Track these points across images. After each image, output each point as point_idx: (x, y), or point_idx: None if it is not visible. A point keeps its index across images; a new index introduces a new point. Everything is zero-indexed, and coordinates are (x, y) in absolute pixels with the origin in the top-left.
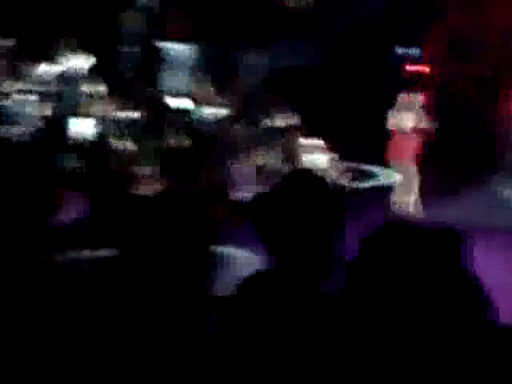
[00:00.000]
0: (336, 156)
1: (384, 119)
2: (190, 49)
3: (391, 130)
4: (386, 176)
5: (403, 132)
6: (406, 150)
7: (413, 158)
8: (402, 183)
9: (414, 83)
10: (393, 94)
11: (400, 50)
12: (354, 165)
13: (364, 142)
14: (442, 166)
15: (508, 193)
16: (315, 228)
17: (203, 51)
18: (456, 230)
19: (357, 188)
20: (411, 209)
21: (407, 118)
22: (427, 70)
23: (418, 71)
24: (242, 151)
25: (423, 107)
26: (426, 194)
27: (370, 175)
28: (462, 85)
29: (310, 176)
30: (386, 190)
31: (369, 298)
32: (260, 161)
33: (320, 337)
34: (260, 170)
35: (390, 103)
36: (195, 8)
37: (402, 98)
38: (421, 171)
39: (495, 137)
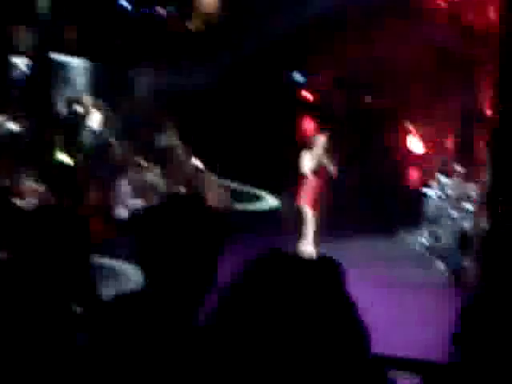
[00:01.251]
0: (221, 177)
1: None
2: (85, 62)
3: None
4: (270, 201)
5: (304, 174)
6: (305, 194)
7: (312, 202)
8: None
9: (304, 109)
10: (286, 118)
11: (293, 76)
12: (239, 186)
13: (252, 163)
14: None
15: (412, 239)
16: (191, 251)
17: (98, 66)
18: (335, 260)
19: (239, 211)
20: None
21: (308, 159)
22: (317, 94)
23: (306, 97)
24: (126, 167)
25: (325, 148)
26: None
27: (255, 198)
28: (348, 115)
29: (190, 199)
30: (268, 215)
31: (240, 327)
32: (144, 177)
33: (185, 365)
34: (143, 186)
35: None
36: (90, 22)
37: (308, 138)
38: (320, 215)
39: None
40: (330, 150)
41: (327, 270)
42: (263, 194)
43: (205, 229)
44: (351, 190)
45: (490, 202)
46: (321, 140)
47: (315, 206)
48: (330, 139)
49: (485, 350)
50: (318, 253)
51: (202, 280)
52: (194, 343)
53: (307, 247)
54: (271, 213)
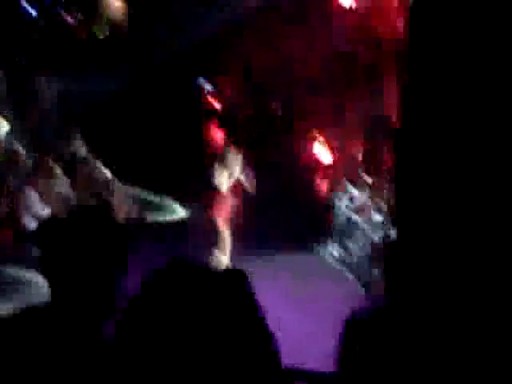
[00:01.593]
0: (131, 186)
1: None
2: None
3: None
4: (175, 210)
5: (218, 189)
6: (220, 208)
7: (227, 217)
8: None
9: (211, 116)
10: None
11: (200, 82)
12: (149, 196)
13: (161, 173)
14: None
15: (323, 251)
16: (96, 263)
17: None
18: (240, 271)
19: (146, 220)
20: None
21: (221, 173)
22: (224, 101)
23: (213, 105)
24: (35, 176)
25: (240, 162)
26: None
27: (161, 207)
28: (255, 123)
29: (96, 209)
30: (174, 226)
31: (146, 337)
32: (51, 188)
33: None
34: (52, 196)
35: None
36: None
37: (219, 151)
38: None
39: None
40: (244, 164)
41: (233, 280)
42: (172, 203)
43: (110, 240)
44: (261, 202)
45: (395, 213)
46: (234, 154)
47: (229, 220)
48: (244, 152)
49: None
50: (229, 266)
51: (107, 291)
52: (101, 354)
53: (221, 261)
54: (180, 223)
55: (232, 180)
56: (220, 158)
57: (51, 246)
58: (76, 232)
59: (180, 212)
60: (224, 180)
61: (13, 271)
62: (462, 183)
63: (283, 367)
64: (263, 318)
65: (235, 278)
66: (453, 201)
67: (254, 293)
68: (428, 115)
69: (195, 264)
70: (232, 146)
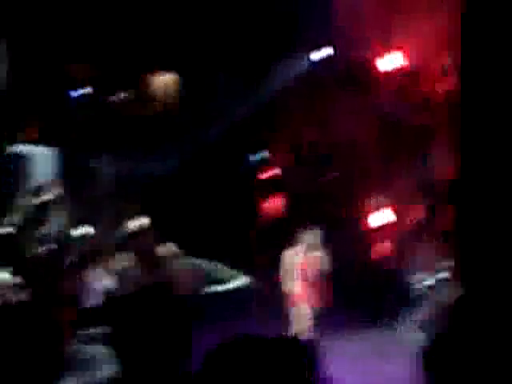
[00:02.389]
0: (192, 259)
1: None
2: (48, 152)
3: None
4: (234, 279)
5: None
6: (301, 290)
7: (309, 298)
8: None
9: (268, 189)
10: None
11: (252, 158)
12: (208, 266)
13: (220, 245)
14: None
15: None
16: (163, 340)
17: (60, 155)
18: (301, 341)
19: (209, 294)
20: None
21: (296, 256)
22: (278, 173)
23: (270, 176)
24: (96, 257)
25: (314, 243)
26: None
27: (224, 279)
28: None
29: (158, 287)
30: (237, 295)
31: None
32: (114, 265)
33: None
34: (114, 274)
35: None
36: (50, 113)
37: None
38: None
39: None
40: (319, 245)
41: (296, 353)
42: (234, 274)
43: (173, 316)
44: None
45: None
46: (309, 236)
47: (312, 301)
48: (319, 234)
49: None
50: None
51: (173, 366)
52: None
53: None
54: (243, 293)
55: (308, 256)
56: (296, 244)
57: (118, 325)
58: (140, 308)
59: (242, 281)
60: (299, 256)
61: (81, 347)
62: None
63: None
64: None
65: (298, 349)
66: None
67: (317, 363)
68: (484, 172)
69: (259, 339)
70: (309, 231)
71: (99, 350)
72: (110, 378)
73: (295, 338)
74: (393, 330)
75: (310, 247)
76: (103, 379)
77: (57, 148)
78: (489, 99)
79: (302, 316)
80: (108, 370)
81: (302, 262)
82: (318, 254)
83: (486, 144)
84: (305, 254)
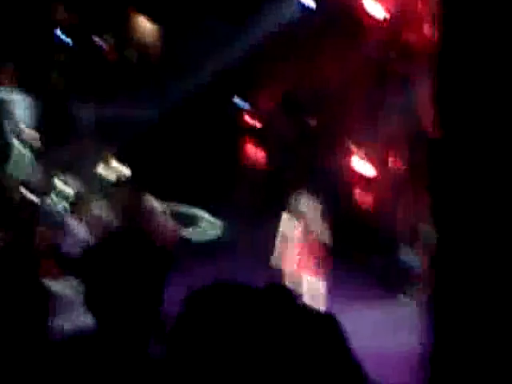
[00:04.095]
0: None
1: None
2: (24, 98)
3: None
4: (210, 225)
5: (291, 241)
6: (301, 259)
7: (313, 271)
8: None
9: (250, 134)
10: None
11: (238, 102)
12: (183, 209)
13: (197, 187)
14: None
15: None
16: (137, 285)
17: (37, 100)
18: (285, 288)
19: (186, 237)
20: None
21: (292, 225)
22: (258, 123)
23: (252, 123)
24: (76, 204)
25: (314, 213)
26: None
27: (198, 221)
28: (293, 138)
29: (133, 233)
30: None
31: (192, 357)
32: (92, 214)
33: None
34: (92, 222)
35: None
36: (27, 56)
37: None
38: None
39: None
40: (320, 215)
41: (276, 298)
42: (209, 217)
43: (149, 262)
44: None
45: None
46: (306, 203)
47: (314, 271)
48: (319, 207)
49: None
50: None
51: (150, 312)
52: (148, 375)
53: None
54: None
55: (305, 229)
56: (291, 206)
57: (92, 272)
58: (115, 256)
59: (218, 226)
60: (301, 233)
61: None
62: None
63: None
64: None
65: (279, 295)
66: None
67: (300, 309)
68: (462, 122)
69: (238, 285)
70: (307, 197)
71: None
72: (86, 326)
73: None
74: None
75: (311, 221)
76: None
77: (35, 93)
78: (469, 52)
79: (312, 288)
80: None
81: (302, 237)
82: (319, 227)
83: (467, 100)
84: (305, 228)
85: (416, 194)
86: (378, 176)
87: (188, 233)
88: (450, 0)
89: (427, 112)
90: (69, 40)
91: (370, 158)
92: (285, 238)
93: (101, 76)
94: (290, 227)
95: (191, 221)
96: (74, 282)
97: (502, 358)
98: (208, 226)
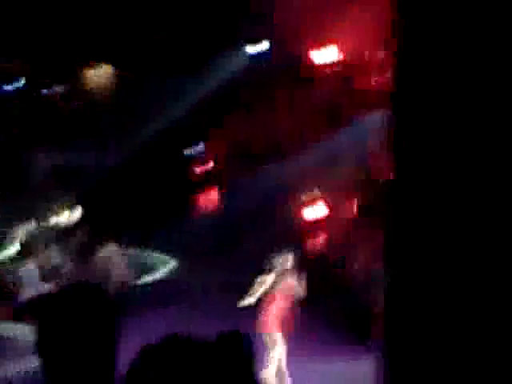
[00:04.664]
0: (123, 248)
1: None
2: None
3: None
4: (163, 265)
5: (266, 297)
6: (271, 317)
7: (279, 325)
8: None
9: (202, 183)
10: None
11: (188, 151)
12: (137, 256)
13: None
14: None
15: None
16: (90, 341)
17: None
18: (238, 334)
19: (140, 285)
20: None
21: (268, 280)
22: (211, 166)
23: (205, 170)
24: (30, 250)
25: (290, 268)
26: None
27: (152, 267)
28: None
29: (86, 289)
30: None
31: None
32: (44, 259)
33: None
34: (45, 268)
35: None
36: None
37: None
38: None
39: None
40: (294, 269)
41: (229, 350)
42: (165, 259)
43: (101, 316)
44: None
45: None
46: (285, 260)
47: (282, 328)
48: (292, 259)
49: None
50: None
51: (102, 366)
52: None
53: (270, 374)
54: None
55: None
56: (270, 268)
57: (44, 323)
58: (68, 309)
59: (170, 265)
60: (277, 287)
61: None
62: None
63: None
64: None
65: (232, 346)
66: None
67: (252, 357)
68: (416, 167)
69: (192, 340)
70: (285, 255)
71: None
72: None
73: (233, 337)
74: None
75: (284, 273)
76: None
77: None
78: (424, 97)
79: (275, 342)
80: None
81: (276, 289)
82: (292, 280)
83: (422, 144)
84: (278, 280)
85: (369, 237)
86: (330, 221)
87: (143, 277)
88: (405, 49)
89: (379, 157)
90: (22, 88)
91: (323, 203)
92: (266, 294)
93: (55, 125)
94: (265, 283)
95: (146, 265)
96: (27, 327)
97: None
98: (162, 268)
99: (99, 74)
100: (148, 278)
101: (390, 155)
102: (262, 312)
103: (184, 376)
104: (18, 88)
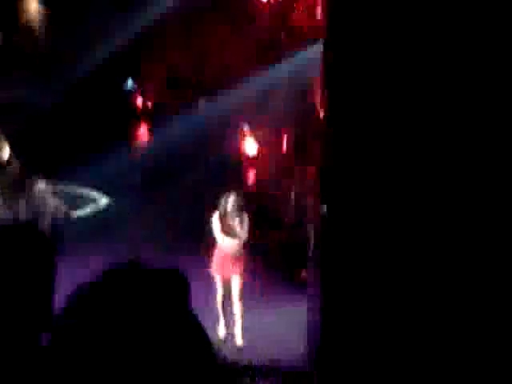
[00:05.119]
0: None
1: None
2: None
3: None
4: (98, 200)
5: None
6: (219, 261)
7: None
8: None
9: (138, 114)
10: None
11: (128, 84)
12: (71, 188)
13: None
14: None
15: None
16: (28, 279)
17: None
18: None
19: (75, 218)
20: None
21: (217, 221)
22: (149, 103)
23: (136, 105)
24: None
25: (235, 208)
26: None
27: (87, 201)
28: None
29: (22, 227)
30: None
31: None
32: None
33: None
34: None
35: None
36: None
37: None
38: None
39: None
40: (239, 210)
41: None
42: (97, 195)
43: (39, 255)
44: None
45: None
46: (231, 199)
47: (229, 271)
48: (241, 197)
49: None
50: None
51: (39, 304)
52: (38, 369)
53: (221, 327)
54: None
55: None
56: (218, 207)
57: None
58: (3, 248)
59: (103, 201)
60: (223, 230)
61: None
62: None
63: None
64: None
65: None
66: (378, 194)
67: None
68: (349, 102)
69: (134, 267)
70: (231, 194)
71: None
72: None
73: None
74: None
75: (230, 213)
76: None
77: None
78: (355, 36)
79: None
80: None
81: (221, 229)
82: (238, 219)
83: (355, 79)
84: (224, 220)
85: (302, 172)
86: (263, 155)
87: (76, 212)
88: None
89: (316, 93)
90: None
91: (257, 138)
92: (213, 238)
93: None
94: (217, 226)
95: (79, 200)
96: None
97: (385, 340)
98: (95, 203)
99: (34, 9)
100: (80, 213)
101: (323, 91)
102: (205, 253)
103: (122, 308)
104: None
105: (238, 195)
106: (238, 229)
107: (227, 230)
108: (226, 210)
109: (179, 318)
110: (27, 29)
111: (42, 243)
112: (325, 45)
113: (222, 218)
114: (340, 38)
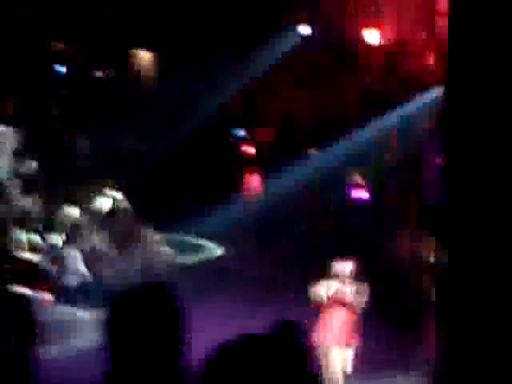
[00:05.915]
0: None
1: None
2: (15, 131)
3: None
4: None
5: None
6: (328, 328)
7: (338, 338)
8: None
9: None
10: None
11: (236, 132)
12: (184, 239)
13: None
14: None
15: None
16: (161, 341)
17: (29, 134)
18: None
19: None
20: None
21: (327, 288)
22: (253, 151)
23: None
24: (71, 235)
25: (351, 276)
26: None
27: (200, 250)
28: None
29: (154, 287)
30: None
31: None
32: (87, 245)
33: None
34: (88, 253)
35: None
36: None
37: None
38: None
39: None
40: (356, 278)
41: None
42: (207, 243)
43: (168, 317)
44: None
45: None
46: (346, 267)
47: (342, 341)
48: (351, 266)
49: None
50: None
51: (170, 366)
52: None
53: None
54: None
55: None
56: (332, 275)
57: (113, 328)
58: (136, 312)
59: (215, 251)
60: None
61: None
62: None
63: None
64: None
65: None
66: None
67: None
68: (471, 148)
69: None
70: (346, 262)
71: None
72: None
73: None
74: None
75: (343, 280)
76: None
77: (33, 125)
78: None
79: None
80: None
81: (334, 298)
82: (352, 288)
83: (477, 124)
84: (337, 288)
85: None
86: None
87: (187, 259)
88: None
89: (428, 140)
90: (66, 72)
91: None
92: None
93: (101, 108)
94: (322, 291)
95: (191, 249)
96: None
97: None
98: (209, 253)
99: (147, 58)
100: (192, 262)
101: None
102: (317, 320)
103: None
104: (68, 70)
105: (357, 261)
106: (351, 297)
107: (338, 299)
108: (338, 276)
109: None
110: (139, 77)
111: (174, 305)
112: (447, 88)
113: (338, 284)
114: (465, 82)
